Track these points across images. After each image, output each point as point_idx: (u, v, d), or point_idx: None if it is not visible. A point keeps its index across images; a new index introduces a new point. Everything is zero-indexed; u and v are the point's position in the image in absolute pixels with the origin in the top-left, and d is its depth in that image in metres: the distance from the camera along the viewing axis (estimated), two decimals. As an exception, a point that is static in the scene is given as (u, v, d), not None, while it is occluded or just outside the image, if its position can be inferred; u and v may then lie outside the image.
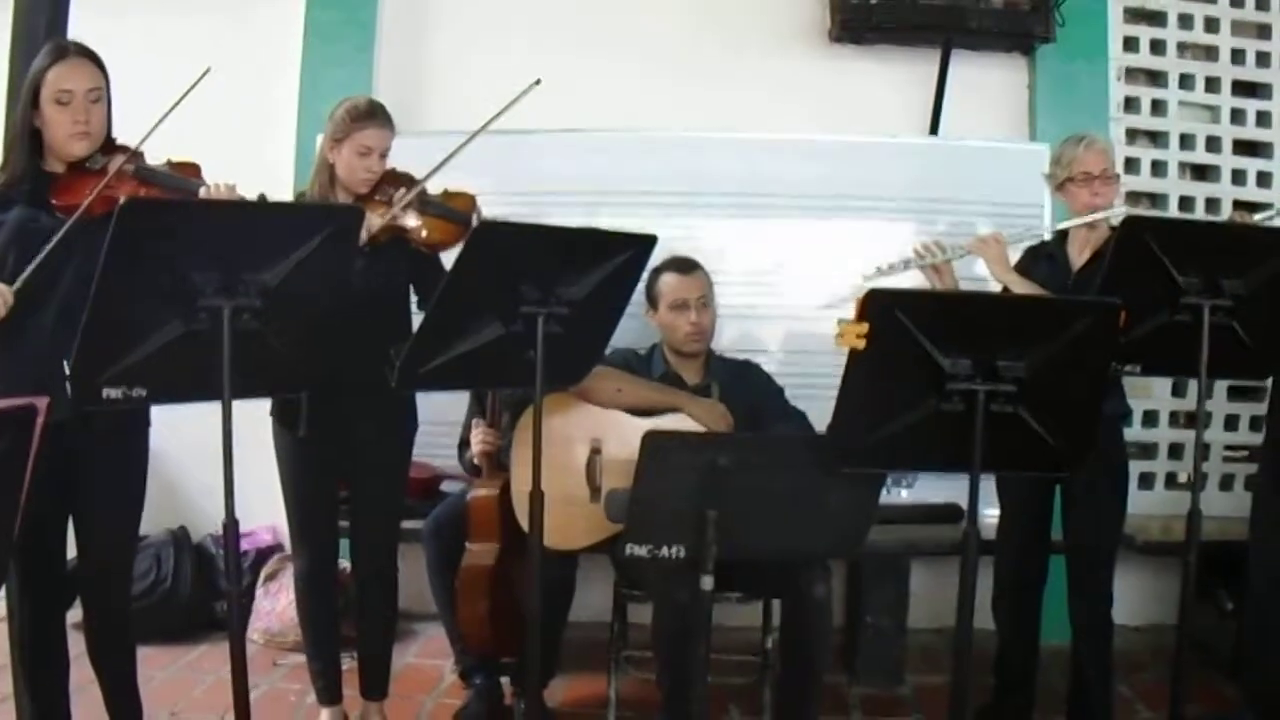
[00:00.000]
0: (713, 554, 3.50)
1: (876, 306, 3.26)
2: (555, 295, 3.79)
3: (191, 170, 4.25)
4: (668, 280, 5.19)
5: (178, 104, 4.02)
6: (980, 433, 3.36)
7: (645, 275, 4.68)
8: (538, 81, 4.59)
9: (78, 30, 5.57)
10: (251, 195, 4.18)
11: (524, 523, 4.29)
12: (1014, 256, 5.03)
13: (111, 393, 3.30)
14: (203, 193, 4.11)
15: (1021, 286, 4.80)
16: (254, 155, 6.09)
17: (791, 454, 3.73)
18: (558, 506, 4.15)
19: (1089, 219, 4.78)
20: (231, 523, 3.51)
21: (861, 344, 3.24)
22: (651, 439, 3.49)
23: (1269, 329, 3.94)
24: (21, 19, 5.62)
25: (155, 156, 4.16)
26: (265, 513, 5.58)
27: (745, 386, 5.25)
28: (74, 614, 4.39)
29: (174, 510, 6.59)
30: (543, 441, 3.93)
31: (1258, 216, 4.79)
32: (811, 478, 3.58)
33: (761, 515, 3.60)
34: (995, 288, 5.01)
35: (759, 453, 3.68)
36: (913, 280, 5.14)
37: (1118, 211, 4.74)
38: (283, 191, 5.47)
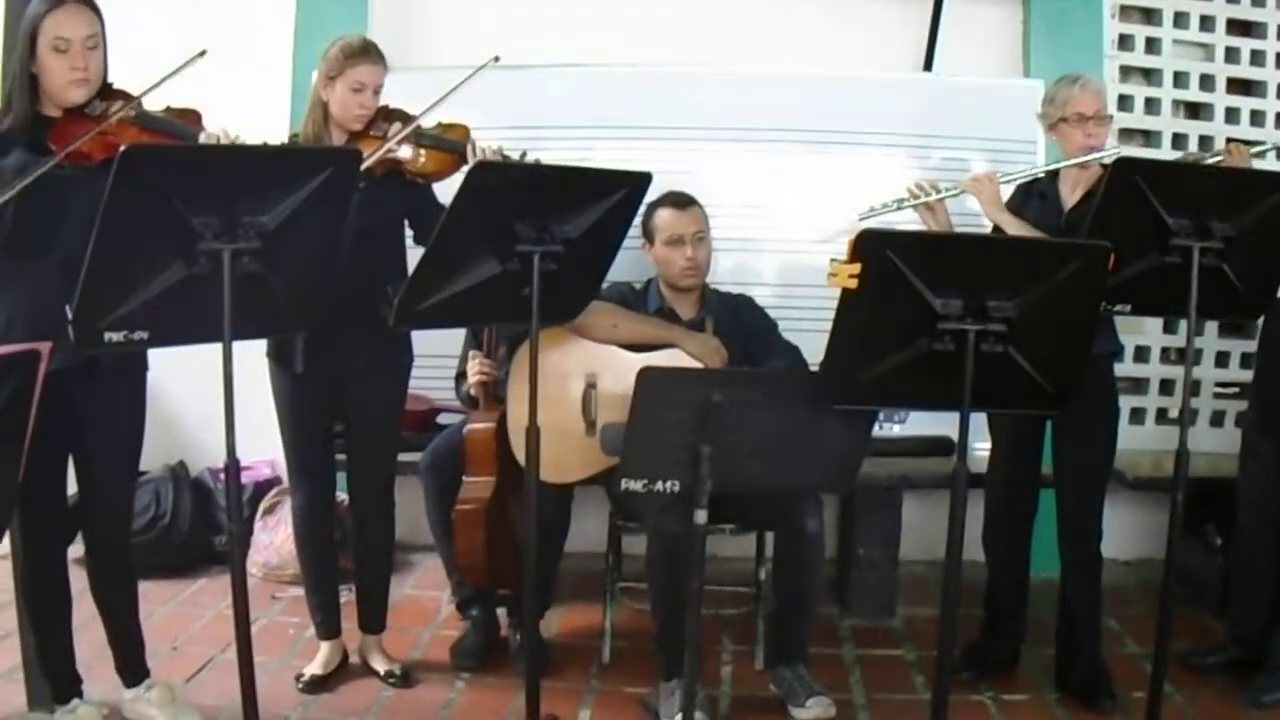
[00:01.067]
0: (707, 489, 3.53)
1: (869, 247, 3.28)
2: (551, 233, 3.82)
3: (192, 117, 4.24)
4: (663, 216, 5.21)
5: (175, 74, 4.03)
6: (970, 372, 3.40)
7: (642, 210, 4.72)
8: (496, 58, 4.59)
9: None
10: (251, 140, 4.24)
11: (521, 458, 4.31)
12: (1006, 193, 5.05)
13: (113, 336, 3.33)
14: (202, 139, 4.13)
15: (1014, 226, 4.82)
16: (250, 91, 6.11)
17: (785, 390, 3.76)
18: (553, 440, 4.18)
19: (1082, 160, 4.79)
20: (233, 464, 3.54)
21: (854, 284, 3.27)
22: (647, 375, 3.51)
23: (1258, 271, 3.98)
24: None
25: (154, 102, 4.17)
26: (263, 446, 5.57)
27: (740, 320, 5.29)
28: (75, 549, 4.44)
29: (172, 444, 6.62)
30: (539, 376, 3.97)
31: (1253, 150, 4.82)
32: (804, 414, 3.61)
33: (755, 450, 3.62)
34: (988, 225, 5.05)
35: (753, 389, 3.69)
36: (907, 218, 5.19)
37: (1110, 152, 4.77)
38: (279, 128, 5.48)
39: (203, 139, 4.11)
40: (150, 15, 6.22)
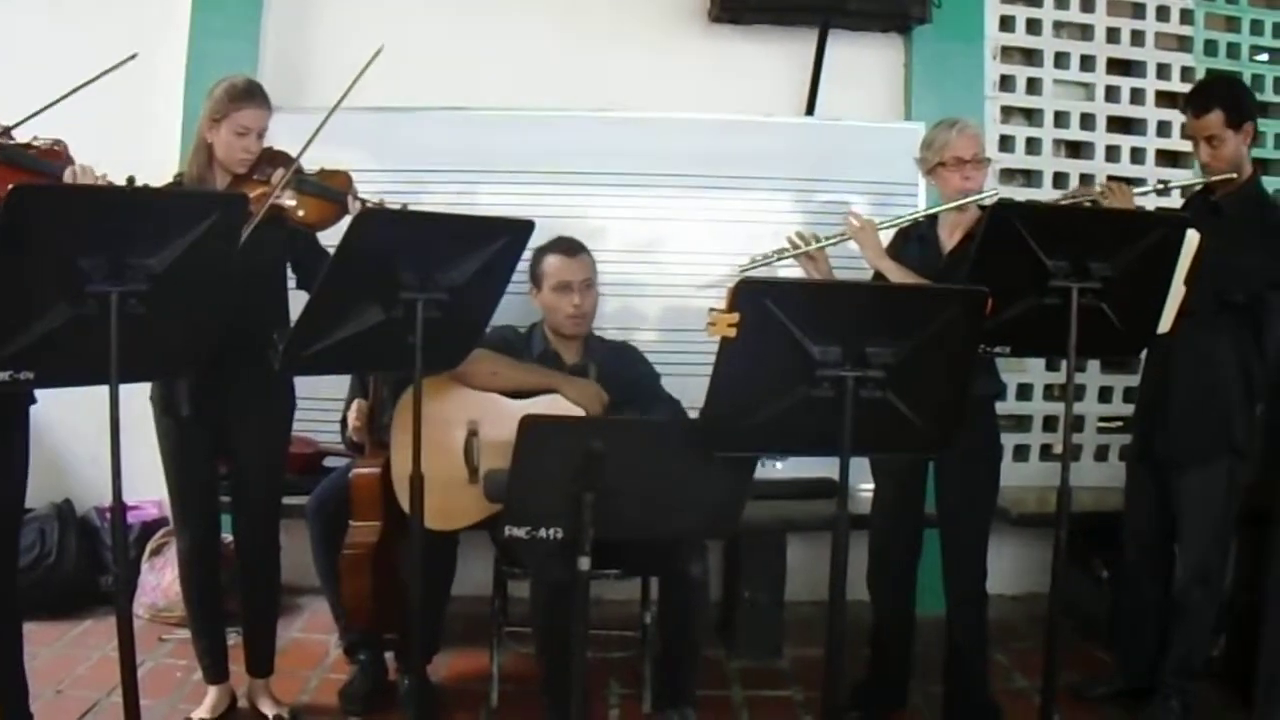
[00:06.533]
0: (590, 536, 3.53)
1: (747, 296, 3.29)
2: (434, 281, 3.84)
3: (56, 154, 4.23)
4: (552, 262, 5.21)
5: (81, 87, 4.03)
6: (849, 418, 3.40)
7: (530, 254, 4.75)
8: (379, 50, 4.59)
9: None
10: (124, 175, 4.20)
11: (406, 506, 4.28)
12: (886, 238, 5.09)
13: (-1, 375, 3.32)
14: (67, 175, 4.10)
15: (895, 271, 4.87)
16: (140, 126, 6.10)
17: (666, 438, 3.78)
18: (437, 488, 4.18)
19: (960, 203, 4.85)
20: (119, 507, 3.52)
21: (733, 333, 3.28)
22: (529, 423, 3.51)
23: (1136, 309, 4.04)
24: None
25: (32, 132, 4.17)
26: (150, 487, 5.51)
27: (623, 368, 5.31)
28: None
29: (58, 483, 6.54)
30: (421, 425, 3.98)
31: (1137, 190, 4.89)
32: (685, 461, 3.62)
33: (637, 497, 3.63)
34: (870, 270, 5.09)
35: (634, 437, 3.72)
36: (789, 269, 5.26)
37: (988, 194, 4.81)
38: (170, 164, 5.43)
39: (67, 175, 4.10)
40: (36, 48, 6.21)
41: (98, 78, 4.09)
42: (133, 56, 4.14)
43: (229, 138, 4.65)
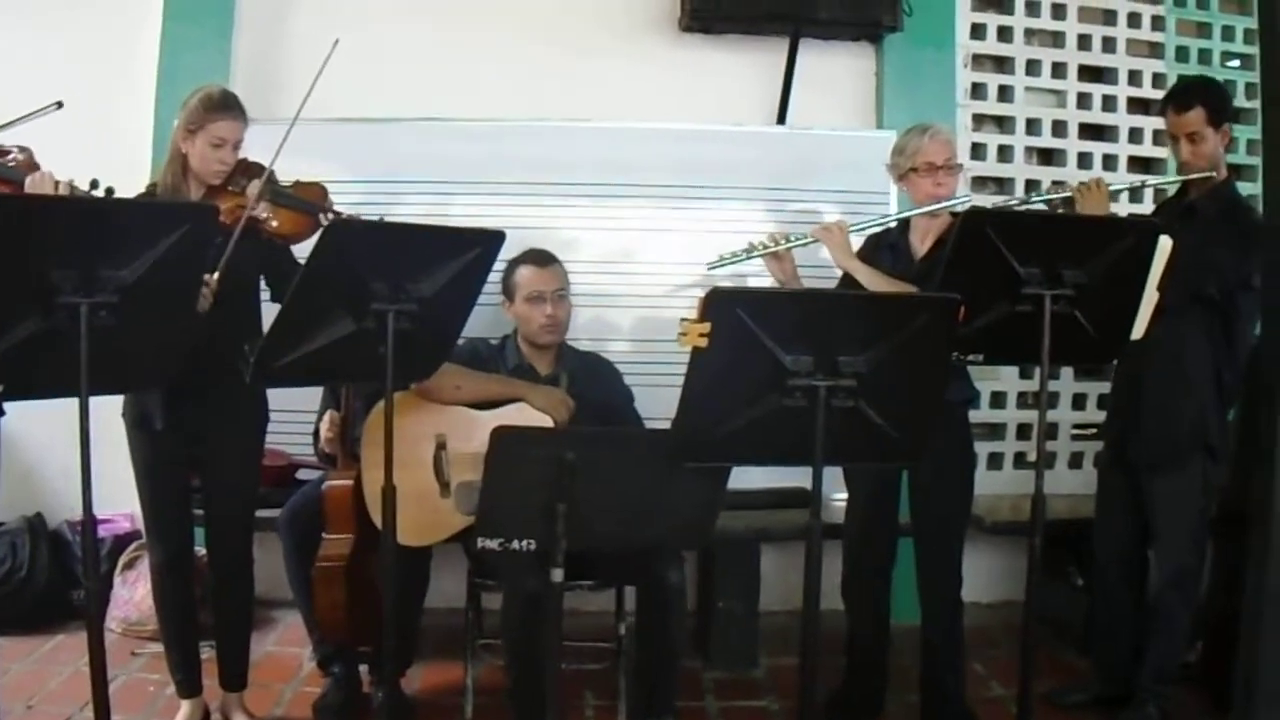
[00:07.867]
0: (562, 547, 3.52)
1: (718, 306, 3.28)
2: (405, 292, 3.82)
3: (22, 163, 4.21)
4: (524, 273, 5.23)
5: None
6: (821, 427, 3.40)
7: (502, 266, 4.73)
8: (336, 42, 4.63)
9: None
10: (97, 178, 4.24)
11: (377, 520, 4.27)
12: (856, 243, 5.10)
13: (-34, 388, 3.29)
14: (28, 183, 4.11)
15: (864, 272, 4.87)
16: (111, 136, 6.06)
17: (638, 449, 3.79)
18: (409, 504, 4.16)
19: (932, 208, 4.86)
20: (89, 519, 3.50)
21: (704, 343, 3.27)
22: (500, 434, 3.50)
23: (1109, 316, 4.03)
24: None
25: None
26: (123, 499, 5.47)
27: (597, 381, 5.33)
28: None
29: (29, 496, 6.47)
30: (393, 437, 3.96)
31: (1113, 187, 4.92)
32: (658, 472, 3.60)
33: (610, 508, 3.63)
34: (839, 274, 5.11)
35: (606, 447, 3.71)
36: (756, 267, 5.28)
37: (960, 200, 4.84)
38: (140, 174, 5.41)
39: (28, 183, 4.10)
40: (8, 57, 6.19)
41: (18, 121, 4.07)
42: (59, 105, 4.12)
43: (204, 149, 4.63)
